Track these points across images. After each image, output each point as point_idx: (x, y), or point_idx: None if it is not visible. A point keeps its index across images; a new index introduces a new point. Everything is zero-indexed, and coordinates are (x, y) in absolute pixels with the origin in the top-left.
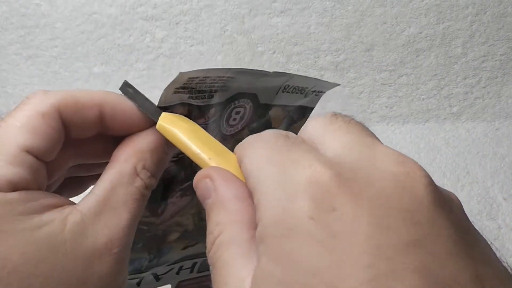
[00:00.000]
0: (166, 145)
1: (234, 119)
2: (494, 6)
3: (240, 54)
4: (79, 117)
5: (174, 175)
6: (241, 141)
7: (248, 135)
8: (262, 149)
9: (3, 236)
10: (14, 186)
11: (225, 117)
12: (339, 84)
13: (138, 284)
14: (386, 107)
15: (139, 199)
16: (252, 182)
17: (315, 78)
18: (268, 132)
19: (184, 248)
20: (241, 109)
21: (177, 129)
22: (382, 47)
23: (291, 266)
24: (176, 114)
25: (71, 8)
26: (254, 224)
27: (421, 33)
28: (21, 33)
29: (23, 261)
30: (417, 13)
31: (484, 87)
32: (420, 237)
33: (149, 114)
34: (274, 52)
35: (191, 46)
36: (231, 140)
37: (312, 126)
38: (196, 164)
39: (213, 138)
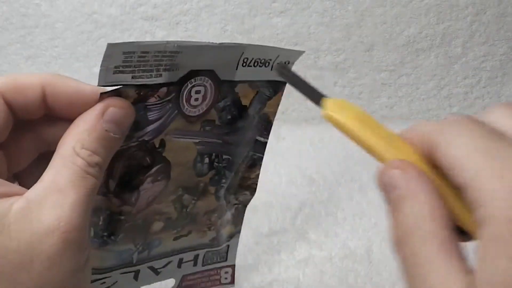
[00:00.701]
0: (106, 122)
1: (196, 99)
2: (494, 6)
3: None
4: (21, 98)
5: (139, 160)
6: (211, 122)
7: (217, 116)
8: (470, 138)
9: None
10: None
11: (184, 97)
12: (303, 52)
13: (136, 278)
14: (386, 107)
15: (84, 178)
16: (465, 175)
17: (273, 47)
18: (463, 118)
19: (176, 239)
20: (201, 88)
21: (345, 119)
22: (382, 47)
23: None
24: (337, 99)
25: (71, 8)
26: (450, 223)
27: (421, 33)
28: (21, 33)
29: None
30: (417, 13)
31: (484, 87)
32: None
33: (310, 99)
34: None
35: None
36: (198, 122)
37: (501, 115)
38: (159, 147)
39: (380, 124)
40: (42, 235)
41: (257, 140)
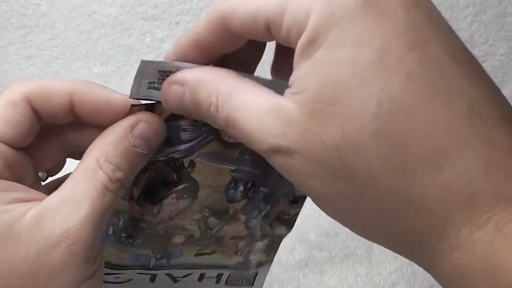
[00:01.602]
0: (134, 137)
1: None
2: (494, 6)
3: None
4: (48, 104)
5: (165, 175)
6: (252, 151)
7: None
8: None
9: None
10: None
11: None
12: None
13: (152, 280)
14: None
15: (103, 193)
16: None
17: None
18: None
19: (198, 255)
20: None
21: None
22: None
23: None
24: None
25: (71, 8)
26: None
27: None
28: (21, 33)
29: None
30: None
31: None
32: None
33: None
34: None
35: None
36: (236, 149)
37: None
38: (188, 167)
39: None
40: (49, 246)
41: None
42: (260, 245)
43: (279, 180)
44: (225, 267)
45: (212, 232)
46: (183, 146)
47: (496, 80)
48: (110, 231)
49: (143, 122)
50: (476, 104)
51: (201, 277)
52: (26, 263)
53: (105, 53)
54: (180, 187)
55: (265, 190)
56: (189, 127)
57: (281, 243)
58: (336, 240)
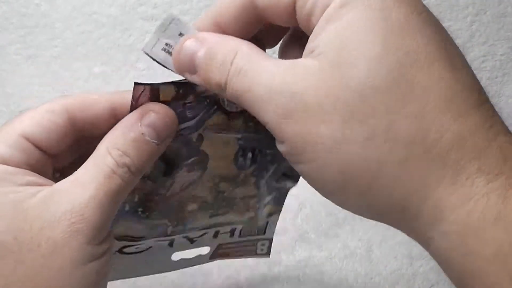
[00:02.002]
0: (144, 125)
1: None
2: (494, 6)
3: None
4: (89, 114)
5: (175, 152)
6: (255, 117)
7: None
8: None
9: None
10: (3, 161)
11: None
12: None
13: (170, 244)
14: None
15: (109, 177)
16: None
17: None
18: None
19: (212, 216)
20: None
21: None
22: None
23: None
24: None
25: (71, 8)
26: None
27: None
28: (21, 33)
29: None
30: None
31: (484, 87)
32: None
33: None
34: (274, 52)
35: None
36: (240, 118)
37: None
38: (196, 141)
39: None
40: (53, 222)
41: None
42: (268, 198)
43: None
44: (238, 222)
45: (225, 194)
46: (189, 123)
47: (496, 80)
48: (127, 208)
49: (153, 112)
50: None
51: (216, 234)
52: (29, 237)
53: (105, 53)
54: (190, 160)
55: (271, 151)
56: (193, 103)
57: (281, 242)
58: (336, 240)
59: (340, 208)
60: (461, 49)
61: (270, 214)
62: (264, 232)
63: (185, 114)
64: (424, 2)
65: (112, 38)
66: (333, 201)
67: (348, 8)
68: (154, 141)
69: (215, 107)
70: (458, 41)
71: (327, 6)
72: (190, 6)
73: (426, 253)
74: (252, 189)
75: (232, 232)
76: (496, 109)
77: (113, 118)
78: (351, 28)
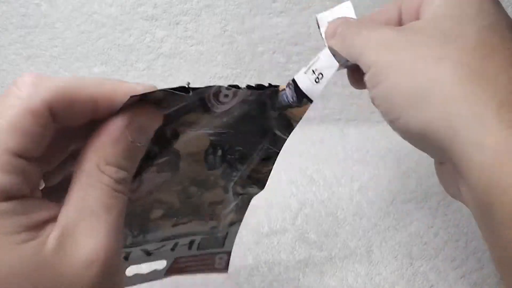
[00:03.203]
0: (132, 132)
1: (226, 96)
2: None
3: (240, 54)
4: (71, 111)
5: (147, 150)
6: (231, 114)
7: (238, 107)
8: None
9: None
10: (6, 194)
11: (212, 92)
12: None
13: (126, 258)
14: None
15: (114, 197)
16: None
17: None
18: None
19: (174, 226)
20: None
21: None
22: None
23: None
24: None
25: (71, 8)
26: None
27: None
28: (21, 33)
29: (6, 275)
30: None
31: None
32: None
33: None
34: (274, 52)
35: (191, 46)
36: (220, 117)
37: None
38: (171, 138)
39: None
40: (81, 268)
41: (275, 134)
42: (232, 205)
43: (251, 137)
44: (199, 233)
45: (192, 199)
46: (164, 111)
47: None
48: None
49: (139, 116)
50: None
51: (174, 246)
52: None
53: (105, 53)
54: (162, 160)
55: (239, 148)
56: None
57: (281, 242)
58: (336, 240)
59: (340, 208)
60: None
61: (231, 224)
62: (223, 245)
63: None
64: None
65: (112, 38)
66: (390, 120)
67: None
68: (142, 143)
69: (198, 103)
70: None
71: None
72: (190, 6)
73: (426, 253)
74: (220, 194)
75: (190, 245)
76: None
77: (95, 111)
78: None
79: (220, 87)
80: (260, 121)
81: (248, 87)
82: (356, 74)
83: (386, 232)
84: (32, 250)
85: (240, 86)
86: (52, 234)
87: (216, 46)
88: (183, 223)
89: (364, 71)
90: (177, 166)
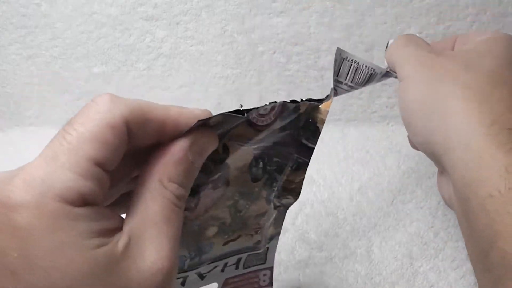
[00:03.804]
0: (193, 153)
1: (265, 109)
2: (494, 6)
3: (240, 54)
4: (144, 130)
5: (204, 168)
6: (275, 130)
7: (280, 126)
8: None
9: (66, 249)
10: (83, 200)
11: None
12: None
13: (183, 284)
14: (386, 107)
15: (174, 211)
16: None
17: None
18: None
19: (225, 244)
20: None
21: None
22: (383, 47)
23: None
24: None
25: (71, 8)
26: None
27: (421, 33)
28: (21, 33)
29: (81, 277)
30: (417, 13)
31: None
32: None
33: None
34: (274, 52)
35: (191, 46)
36: (264, 132)
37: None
38: (222, 153)
39: None
40: (148, 275)
41: (302, 143)
42: (272, 218)
43: (285, 148)
44: (245, 249)
45: (241, 214)
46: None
47: None
48: None
49: (201, 140)
50: None
51: (224, 267)
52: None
53: (105, 53)
54: (217, 175)
55: (277, 159)
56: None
57: (281, 242)
58: (336, 240)
59: (340, 208)
60: None
61: (271, 238)
62: (265, 261)
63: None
64: (424, 2)
65: (112, 38)
66: (409, 129)
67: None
68: (199, 165)
69: (243, 117)
70: None
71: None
72: (190, 6)
73: (426, 253)
74: (263, 205)
75: (237, 263)
76: None
77: (162, 132)
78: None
79: (264, 105)
80: (290, 131)
81: (290, 101)
82: None
83: (386, 232)
84: (104, 254)
85: (277, 101)
86: (120, 241)
87: (216, 46)
88: (233, 240)
89: (399, 80)
90: (228, 180)
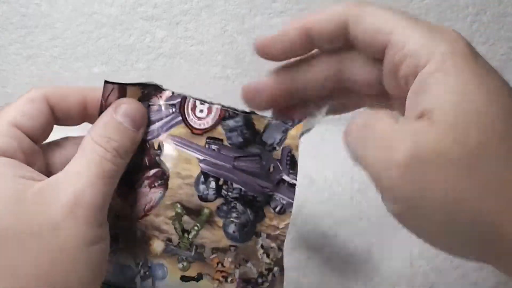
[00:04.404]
0: (120, 115)
1: (201, 111)
2: (494, 6)
3: (240, 54)
4: (64, 103)
5: (136, 158)
6: (219, 141)
7: (226, 135)
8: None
9: None
10: (2, 152)
11: (189, 106)
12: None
13: None
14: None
15: (100, 162)
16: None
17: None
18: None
19: (183, 279)
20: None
21: None
22: None
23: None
24: None
25: (71, 8)
26: None
27: None
28: (21, 33)
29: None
30: (417, 13)
31: None
32: None
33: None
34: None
35: (191, 46)
36: (203, 137)
37: None
38: (157, 149)
39: None
40: (54, 207)
41: (283, 179)
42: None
43: (253, 179)
44: None
45: (190, 237)
46: (152, 127)
47: None
48: None
49: (123, 104)
50: None
51: None
52: (31, 222)
53: (105, 53)
54: (152, 172)
55: (238, 187)
56: (157, 106)
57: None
58: (336, 240)
59: (340, 208)
60: None
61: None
62: None
63: (149, 116)
64: (424, 2)
65: (112, 38)
66: (441, 249)
67: (448, 72)
68: (132, 128)
69: (180, 118)
70: None
71: (420, 66)
72: (190, 6)
73: (426, 253)
74: (221, 237)
75: None
76: None
77: (84, 109)
78: (462, 96)
79: (195, 100)
80: (259, 159)
81: (223, 106)
82: None
83: (386, 232)
84: (16, 190)
85: (213, 102)
86: (39, 183)
87: (216, 46)
88: (193, 278)
89: (388, 199)
90: (166, 183)
